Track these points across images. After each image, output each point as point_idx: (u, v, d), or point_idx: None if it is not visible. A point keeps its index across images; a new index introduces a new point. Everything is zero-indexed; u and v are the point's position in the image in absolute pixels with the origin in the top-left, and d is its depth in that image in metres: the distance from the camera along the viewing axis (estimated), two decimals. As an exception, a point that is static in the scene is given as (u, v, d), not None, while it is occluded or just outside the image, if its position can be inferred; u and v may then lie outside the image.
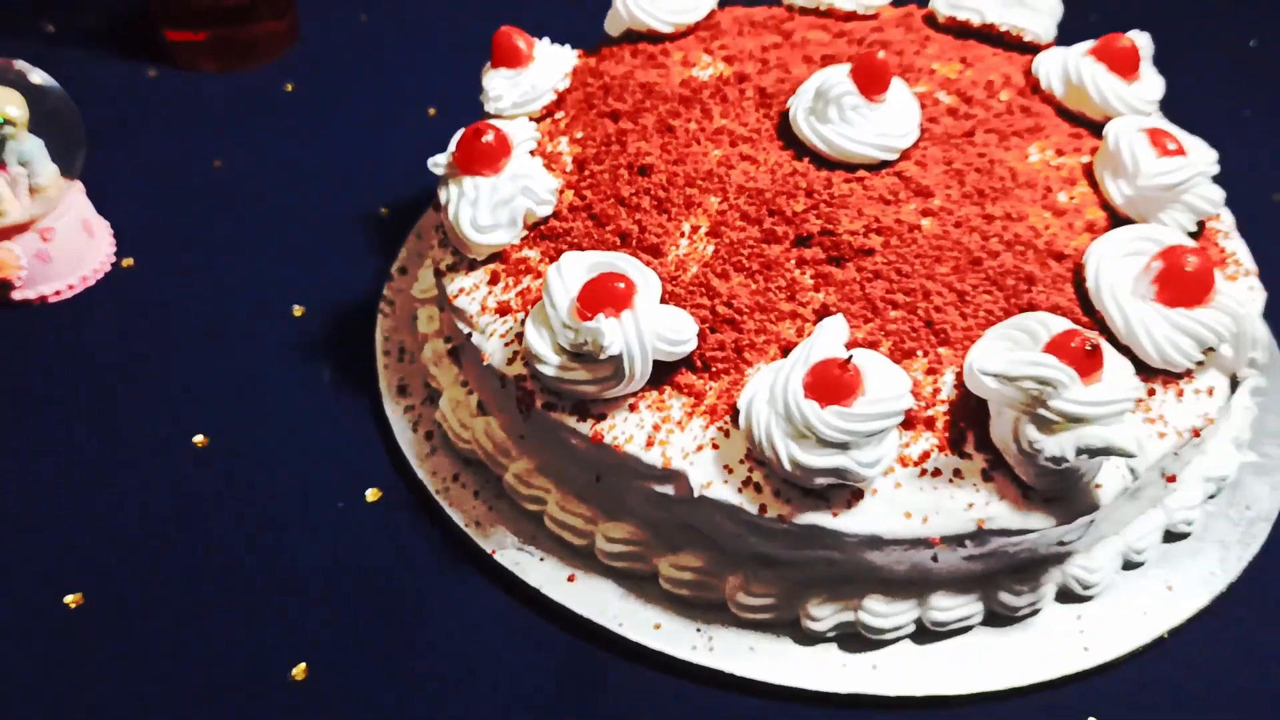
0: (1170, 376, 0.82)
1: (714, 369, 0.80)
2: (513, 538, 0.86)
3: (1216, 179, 0.90)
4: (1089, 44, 1.00)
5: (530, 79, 0.99)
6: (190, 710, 0.76)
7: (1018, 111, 0.98)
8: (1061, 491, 0.76)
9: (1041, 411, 0.72)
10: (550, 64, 1.01)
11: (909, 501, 0.76)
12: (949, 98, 0.98)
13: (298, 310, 1.04)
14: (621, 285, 0.78)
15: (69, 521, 0.86)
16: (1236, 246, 0.93)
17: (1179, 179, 0.88)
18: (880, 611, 0.79)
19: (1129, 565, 0.85)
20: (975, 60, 1.03)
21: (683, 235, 0.87)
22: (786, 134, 0.92)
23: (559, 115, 0.99)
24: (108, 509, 0.87)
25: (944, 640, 0.81)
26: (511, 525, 0.87)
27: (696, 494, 0.76)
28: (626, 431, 0.79)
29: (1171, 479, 0.84)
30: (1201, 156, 0.90)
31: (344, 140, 1.22)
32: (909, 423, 0.77)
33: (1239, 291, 0.88)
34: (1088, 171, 0.93)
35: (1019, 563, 0.80)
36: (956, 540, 0.76)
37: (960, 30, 1.08)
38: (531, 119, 0.99)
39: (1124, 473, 0.77)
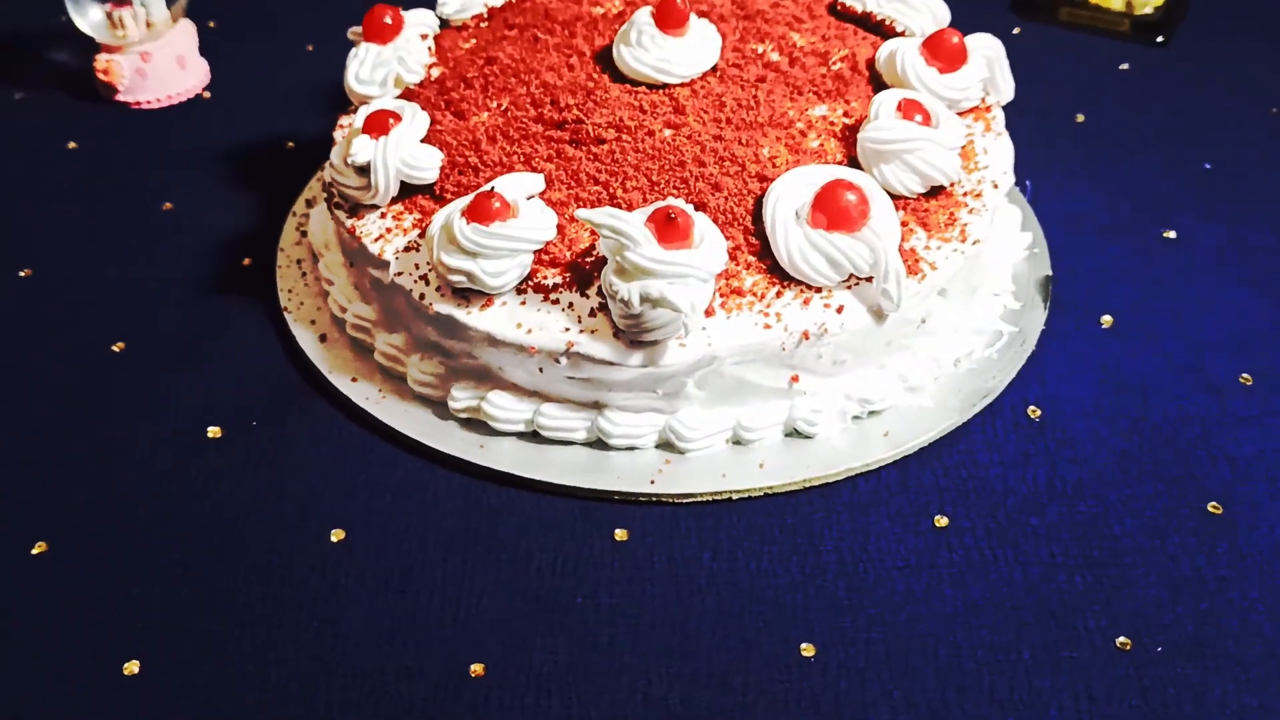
0: (807, 287, 0.96)
1: (445, 198, 1.03)
2: (306, 308, 1.13)
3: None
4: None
5: (476, -7, 1.26)
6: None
7: (833, 78, 1.12)
8: (638, 336, 0.92)
9: (620, 259, 0.90)
10: (499, -15, 1.27)
11: (524, 316, 0.95)
12: (778, 55, 1.14)
13: (290, 144, 1.37)
14: (391, 120, 1.04)
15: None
16: (975, 221, 1.02)
17: (894, 137, 0.99)
18: (500, 404, 0.98)
19: (739, 441, 0.99)
20: (835, 37, 1.18)
21: (487, 109, 1.10)
22: (608, 53, 1.13)
23: (483, 24, 1.25)
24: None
25: (550, 444, 0.99)
26: (312, 301, 1.14)
27: (389, 279, 1.00)
28: (369, 230, 1.04)
29: (795, 379, 0.97)
30: (941, 133, 1.01)
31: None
32: (554, 263, 0.97)
33: (944, 253, 0.99)
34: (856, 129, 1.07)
35: (622, 399, 0.97)
36: (552, 355, 0.94)
37: (848, 16, 1.22)
38: (464, 24, 1.25)
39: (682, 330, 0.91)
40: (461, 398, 1.00)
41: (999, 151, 1.10)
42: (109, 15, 1.39)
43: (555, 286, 0.96)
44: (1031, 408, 1.03)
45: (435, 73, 1.17)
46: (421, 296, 0.98)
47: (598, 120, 1.05)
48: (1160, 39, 1.53)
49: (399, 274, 1.00)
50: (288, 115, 1.42)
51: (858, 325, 0.95)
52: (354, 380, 1.05)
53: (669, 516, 0.94)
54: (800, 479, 0.96)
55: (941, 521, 0.93)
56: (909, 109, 1.02)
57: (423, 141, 1.06)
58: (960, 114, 1.12)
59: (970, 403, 1.02)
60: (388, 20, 1.17)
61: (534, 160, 1.04)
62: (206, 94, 1.46)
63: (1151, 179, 1.29)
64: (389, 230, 1.03)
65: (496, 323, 0.95)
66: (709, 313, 0.94)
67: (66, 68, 1.48)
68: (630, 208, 0.99)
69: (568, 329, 0.94)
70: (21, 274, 1.19)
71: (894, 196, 1.01)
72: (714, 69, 1.11)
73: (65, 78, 1.47)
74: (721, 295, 0.95)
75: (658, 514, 0.95)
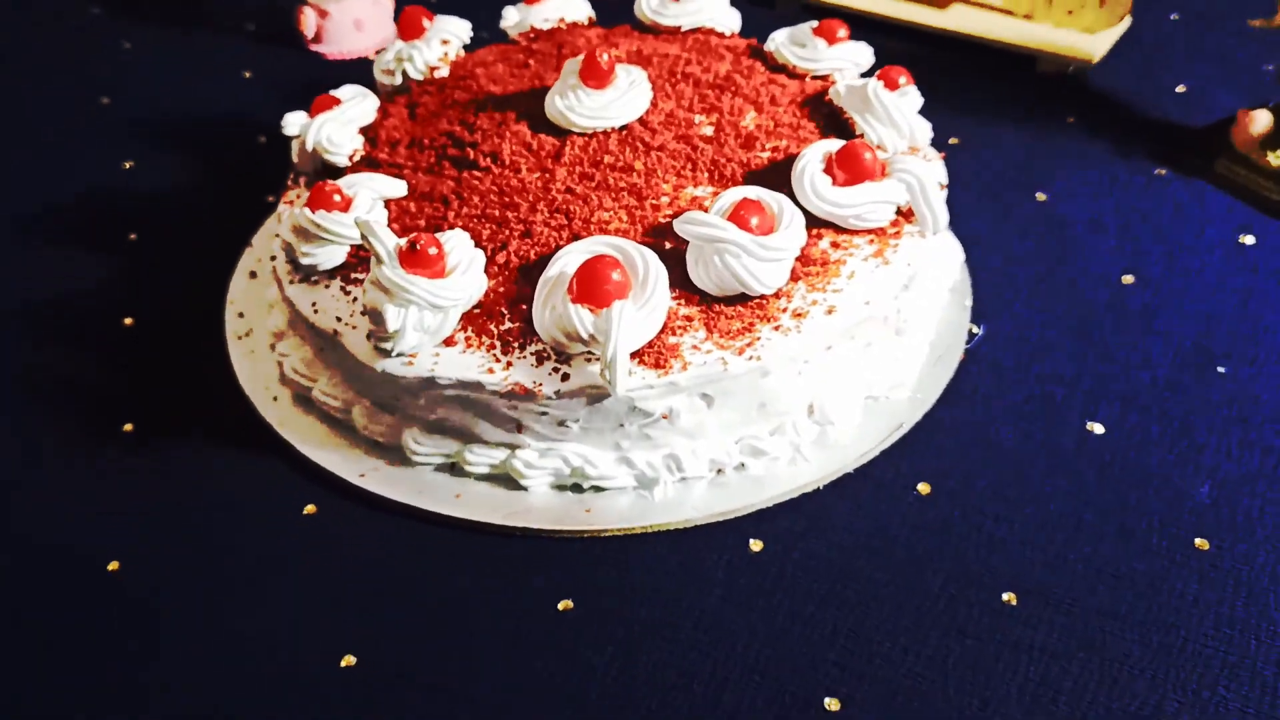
0: (552, 348, 0.99)
1: (346, 184, 1.17)
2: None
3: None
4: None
5: (530, 14, 1.36)
6: None
7: (739, 165, 1.10)
8: (373, 341, 1.00)
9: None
10: (550, 12, 1.36)
11: (320, 297, 1.07)
12: (710, 130, 1.14)
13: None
14: (335, 105, 1.19)
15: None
16: (772, 341, 0.98)
17: (697, 232, 0.98)
18: (297, 367, 1.11)
19: (459, 469, 1.04)
20: (791, 126, 1.15)
21: (433, 117, 1.22)
22: (558, 93, 1.19)
23: (523, 43, 1.35)
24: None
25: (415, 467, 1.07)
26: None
27: (275, 251, 1.15)
28: (293, 196, 1.20)
29: (520, 429, 1.01)
30: (751, 239, 0.97)
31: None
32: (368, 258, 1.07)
33: (706, 359, 0.96)
34: (713, 215, 1.05)
35: (375, 395, 1.05)
36: (322, 335, 1.05)
37: (829, 109, 1.18)
38: (516, 39, 1.36)
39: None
40: (286, 353, 1.14)
41: (870, 281, 1.03)
42: (314, -30, 1.65)
43: (356, 281, 1.06)
44: (754, 540, 0.98)
45: (443, 74, 1.29)
46: (273, 258, 1.12)
47: (483, 148, 1.13)
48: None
49: (277, 235, 1.15)
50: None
51: (571, 397, 0.97)
52: (240, 315, 1.22)
53: (360, 509, 1.03)
54: (475, 515, 1.01)
55: (565, 605, 0.94)
56: (743, 209, 1.00)
57: (362, 130, 1.20)
58: (861, 231, 1.07)
59: (692, 514, 1.00)
60: (425, 23, 1.31)
61: (419, 169, 1.14)
62: (374, 56, 1.68)
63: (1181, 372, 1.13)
64: (300, 197, 1.18)
65: (299, 297, 1.08)
66: (449, 342, 1.00)
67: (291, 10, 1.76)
68: (446, 227, 1.06)
69: (339, 318, 1.04)
70: (126, 166, 1.48)
71: (697, 292, 1.00)
72: (625, 127, 1.13)
73: (289, 19, 1.74)
74: (475, 331, 1.00)
75: (348, 506, 1.03)
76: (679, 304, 1.00)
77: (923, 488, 1.02)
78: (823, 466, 1.04)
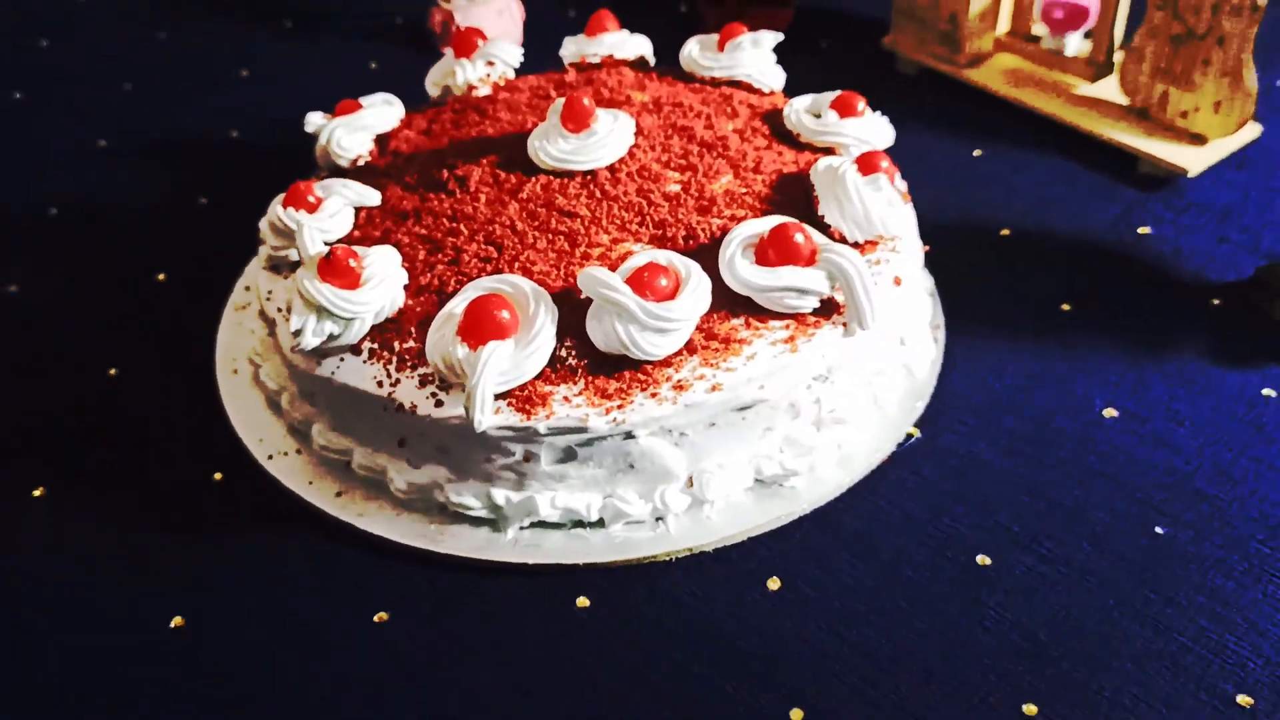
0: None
1: (344, 184, 1.25)
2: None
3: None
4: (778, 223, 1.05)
5: (586, 46, 1.40)
6: None
7: (684, 228, 1.10)
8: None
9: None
10: (606, 47, 1.39)
11: (275, 286, 1.16)
12: (676, 188, 1.15)
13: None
14: (355, 110, 1.28)
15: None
16: (643, 406, 0.99)
17: (592, 288, 1.00)
18: (285, 403, 1.18)
19: (352, 468, 1.10)
20: (759, 196, 1.14)
21: (442, 137, 1.28)
22: (557, 129, 1.23)
23: (570, 73, 1.39)
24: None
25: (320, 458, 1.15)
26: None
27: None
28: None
29: (401, 442, 1.06)
30: (635, 303, 0.97)
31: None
32: (322, 259, 1.15)
33: (572, 412, 0.98)
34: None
35: (299, 385, 1.14)
36: (263, 320, 1.14)
37: (806, 192, 1.15)
38: (568, 67, 1.41)
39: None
40: (255, 330, 1.24)
41: (770, 367, 1.01)
42: (448, -21, 1.75)
43: (308, 276, 1.15)
44: (583, 597, 0.99)
45: (482, 93, 1.35)
46: (259, 243, 1.22)
47: (459, 172, 1.18)
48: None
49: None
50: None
51: (441, 422, 1.01)
52: (246, 289, 1.33)
53: (257, 486, 1.11)
54: (342, 514, 1.07)
55: (381, 616, 0.99)
56: (647, 272, 1.01)
57: (379, 136, 1.28)
58: (780, 315, 1.05)
59: (533, 558, 1.02)
60: (479, 42, 1.38)
61: (401, 184, 1.21)
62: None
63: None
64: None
65: (260, 282, 1.17)
66: (356, 350, 1.06)
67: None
68: (398, 247, 1.12)
69: (280, 309, 1.13)
70: (233, 135, 1.63)
71: (590, 346, 1.02)
72: (591, 173, 1.16)
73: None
74: (381, 345, 1.06)
75: (249, 482, 1.12)
76: (568, 354, 1.01)
77: (772, 583, 1.00)
78: (682, 539, 1.03)
